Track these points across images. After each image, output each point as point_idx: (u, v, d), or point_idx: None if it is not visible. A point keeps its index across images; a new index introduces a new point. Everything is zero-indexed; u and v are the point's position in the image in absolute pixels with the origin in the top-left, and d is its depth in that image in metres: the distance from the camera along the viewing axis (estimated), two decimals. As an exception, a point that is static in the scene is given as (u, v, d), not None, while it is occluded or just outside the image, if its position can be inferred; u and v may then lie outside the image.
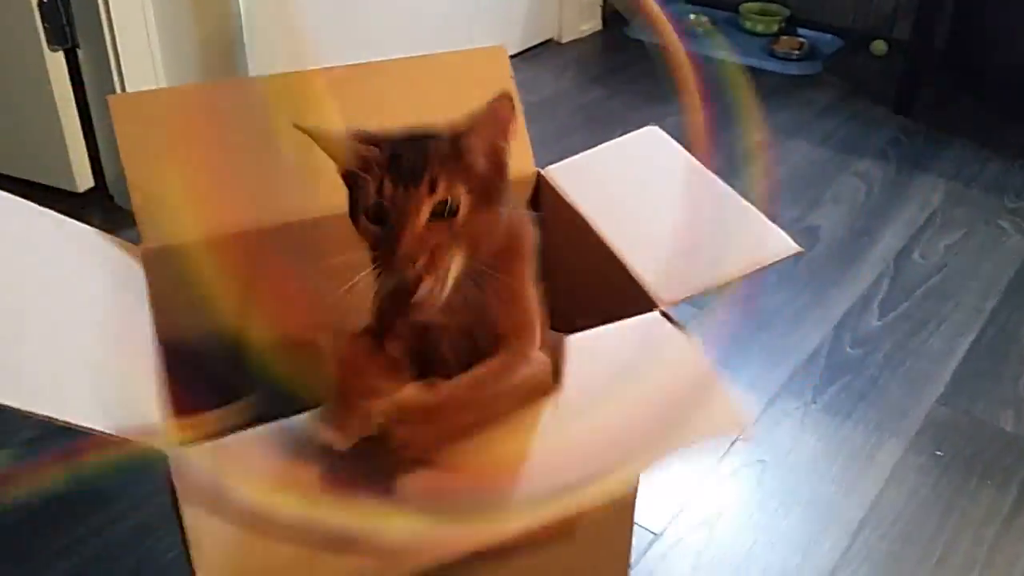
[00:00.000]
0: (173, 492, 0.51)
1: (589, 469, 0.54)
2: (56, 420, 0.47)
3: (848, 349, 1.17)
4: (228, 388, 0.74)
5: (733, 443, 1.03)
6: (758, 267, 0.68)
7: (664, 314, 0.65)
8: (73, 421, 0.47)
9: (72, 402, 0.49)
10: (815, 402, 1.08)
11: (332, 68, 0.78)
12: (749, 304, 1.23)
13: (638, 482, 0.70)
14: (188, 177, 0.72)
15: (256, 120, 0.75)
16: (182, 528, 0.47)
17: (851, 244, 1.39)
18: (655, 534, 0.92)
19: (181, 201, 0.71)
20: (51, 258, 0.62)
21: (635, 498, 0.72)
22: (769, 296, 1.26)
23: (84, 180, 1.45)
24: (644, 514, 0.93)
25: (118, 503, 0.93)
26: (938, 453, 1.01)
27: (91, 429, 0.47)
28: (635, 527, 0.91)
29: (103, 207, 1.40)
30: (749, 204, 0.73)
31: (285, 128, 0.74)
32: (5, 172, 1.48)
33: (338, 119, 0.75)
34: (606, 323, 0.64)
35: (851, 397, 1.09)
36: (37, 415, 0.47)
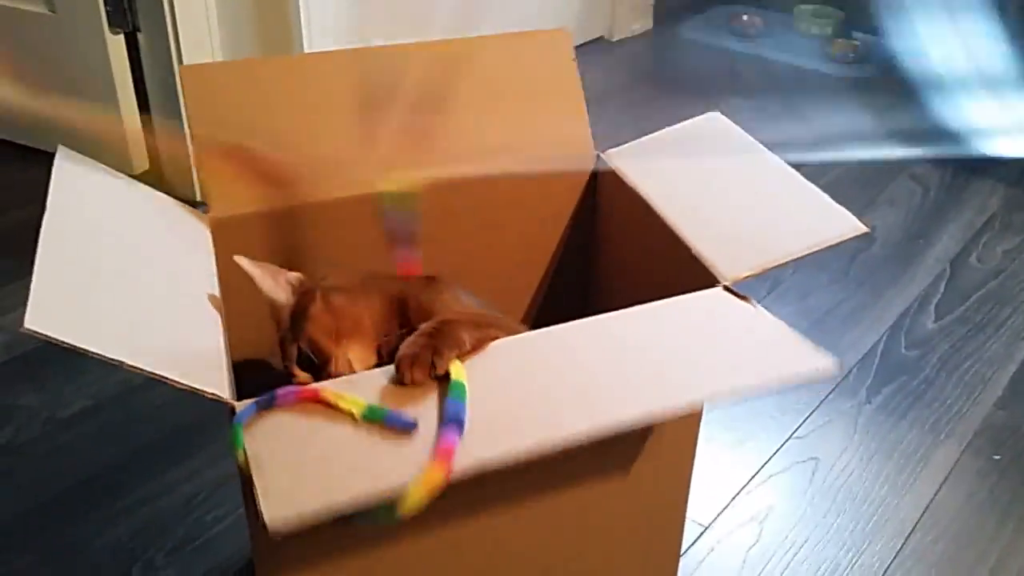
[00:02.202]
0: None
1: (659, 390, 0.55)
2: (141, 370, 0.47)
3: (904, 350, 1.15)
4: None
5: (787, 439, 1.01)
6: (823, 246, 0.67)
7: (728, 288, 0.64)
8: (152, 370, 0.47)
9: (150, 353, 0.49)
10: (869, 402, 1.06)
11: (393, 45, 0.78)
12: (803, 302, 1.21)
13: (698, 427, 0.69)
14: (254, 148, 0.72)
15: (320, 95, 0.76)
16: (247, 481, 0.47)
17: (907, 246, 1.36)
18: (704, 526, 0.91)
19: (247, 172, 0.72)
20: (129, 220, 0.63)
21: (694, 451, 0.70)
22: (823, 295, 1.24)
23: (140, 162, 1.47)
24: (694, 506, 0.92)
25: (168, 475, 0.94)
26: (996, 457, 0.99)
27: (167, 378, 0.47)
28: (685, 519, 0.90)
29: (157, 189, 1.41)
30: (814, 186, 0.72)
31: (346, 104, 0.75)
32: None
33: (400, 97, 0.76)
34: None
35: (906, 398, 1.07)
36: (124, 364, 0.47)
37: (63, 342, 0.46)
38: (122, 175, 0.66)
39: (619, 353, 0.58)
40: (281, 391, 0.51)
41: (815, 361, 0.57)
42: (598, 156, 0.82)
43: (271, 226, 0.72)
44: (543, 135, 0.81)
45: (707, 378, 0.57)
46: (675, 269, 0.70)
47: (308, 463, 0.48)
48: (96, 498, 0.91)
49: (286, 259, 0.73)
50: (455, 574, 0.64)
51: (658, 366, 0.57)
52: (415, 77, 0.77)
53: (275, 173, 0.72)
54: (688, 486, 0.72)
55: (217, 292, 0.61)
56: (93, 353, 0.46)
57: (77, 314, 0.49)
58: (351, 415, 0.49)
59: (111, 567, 0.85)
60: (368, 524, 0.52)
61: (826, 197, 0.70)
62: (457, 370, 0.53)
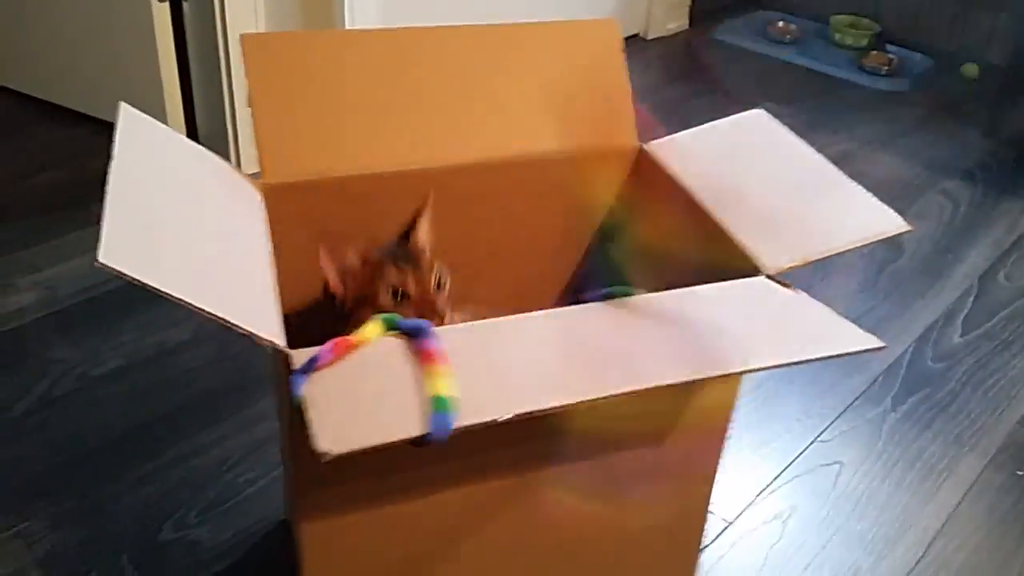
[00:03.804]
0: (286, 392, 0.52)
1: (703, 357, 0.56)
2: (204, 310, 0.48)
3: (930, 362, 1.16)
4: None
5: (811, 442, 1.02)
6: (866, 241, 0.68)
7: (770, 277, 0.65)
8: (214, 312, 0.48)
9: (212, 297, 0.50)
10: (894, 411, 1.07)
11: (446, 27, 0.79)
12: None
13: (734, 401, 0.70)
14: (313, 119, 0.73)
15: (378, 70, 0.77)
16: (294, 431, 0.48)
17: (936, 260, 1.37)
18: (728, 522, 0.92)
19: (303, 141, 0.73)
20: (189, 176, 0.64)
21: (727, 425, 0.71)
22: (852, 303, 1.25)
23: (178, 130, 1.47)
24: (718, 502, 0.93)
25: (199, 437, 0.95)
26: (1019, 473, 1.00)
27: (228, 322, 0.48)
28: (709, 513, 0.92)
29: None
30: (856, 184, 0.73)
31: (400, 81, 0.76)
32: (102, 118, 1.51)
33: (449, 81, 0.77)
34: None
35: (931, 409, 1.08)
36: (189, 304, 0.48)
37: (134, 278, 0.47)
38: (181, 135, 0.67)
39: (665, 327, 0.59)
40: (324, 348, 0.52)
41: (863, 340, 0.59)
42: (640, 148, 0.83)
43: (323, 195, 0.74)
44: (586, 122, 0.82)
45: (754, 349, 0.58)
46: (716, 259, 0.71)
47: (351, 403, 0.51)
48: (129, 456, 0.93)
49: (334, 228, 0.75)
50: (484, 529, 0.65)
51: (703, 338, 0.58)
52: (464, 59, 0.78)
53: (330, 142, 0.73)
54: (717, 464, 0.73)
55: (269, 253, 0.62)
56: (160, 291, 0.47)
57: (145, 255, 0.50)
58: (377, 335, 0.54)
59: (143, 522, 0.86)
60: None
61: (868, 194, 0.71)
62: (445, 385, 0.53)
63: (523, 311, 0.87)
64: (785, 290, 0.64)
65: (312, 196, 0.74)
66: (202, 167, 0.68)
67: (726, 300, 0.63)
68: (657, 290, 0.66)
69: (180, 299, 0.47)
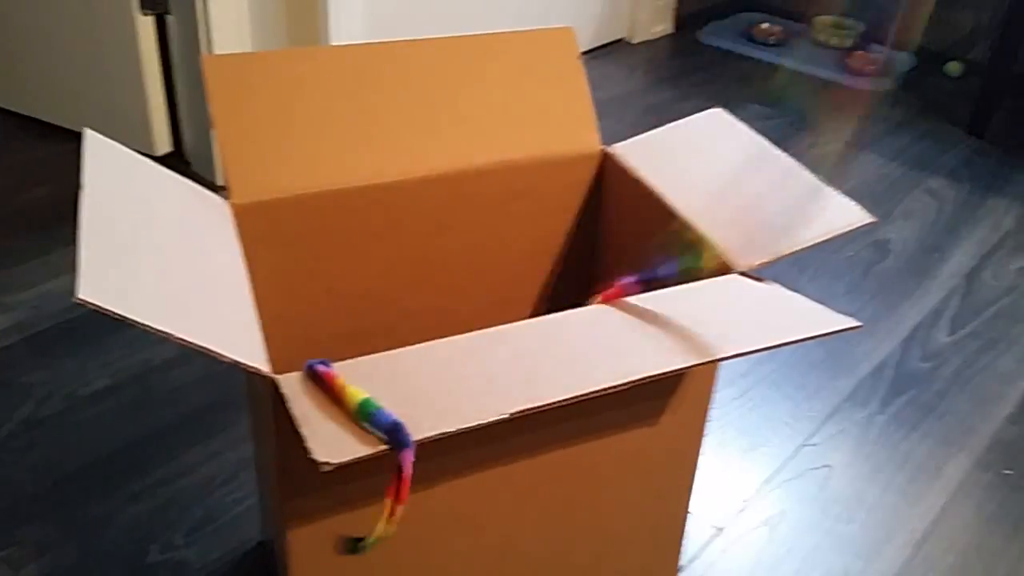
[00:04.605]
0: (276, 416, 0.52)
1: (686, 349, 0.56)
2: (187, 342, 0.48)
3: (918, 362, 1.16)
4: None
5: (800, 446, 1.02)
6: (832, 235, 0.68)
7: (744, 274, 0.65)
8: (196, 342, 0.48)
9: (192, 326, 0.50)
10: (882, 412, 1.08)
11: (406, 41, 0.80)
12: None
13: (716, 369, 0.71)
14: (277, 137, 0.73)
15: (341, 86, 0.77)
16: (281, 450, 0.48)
17: (922, 259, 1.37)
18: (718, 529, 0.92)
19: (269, 160, 0.73)
20: (160, 201, 0.64)
21: (705, 416, 0.72)
22: (838, 304, 1.25)
23: (163, 144, 1.48)
24: (708, 509, 0.93)
25: (187, 456, 0.95)
26: (1007, 472, 1.00)
27: (211, 351, 0.48)
28: (697, 521, 0.92)
29: (180, 172, 1.42)
30: (818, 179, 0.73)
31: (365, 96, 0.76)
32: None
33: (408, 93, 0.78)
34: None
35: (918, 410, 1.08)
36: (171, 336, 0.48)
37: (115, 313, 0.47)
38: (148, 159, 0.67)
39: (644, 327, 0.60)
40: (315, 370, 0.52)
41: (839, 321, 0.59)
42: (603, 151, 0.83)
43: (292, 213, 0.74)
44: (550, 129, 0.83)
45: (734, 336, 0.58)
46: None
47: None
48: (115, 476, 0.92)
49: (305, 245, 0.75)
50: (479, 516, 0.65)
51: (684, 331, 0.59)
52: (428, 72, 0.79)
53: (297, 160, 0.73)
54: (699, 446, 0.74)
55: (245, 274, 0.62)
56: (142, 324, 0.47)
57: (123, 286, 0.50)
58: (348, 410, 0.51)
59: (130, 545, 0.85)
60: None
61: (832, 189, 0.72)
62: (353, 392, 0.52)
63: (503, 318, 0.88)
64: (759, 283, 0.65)
65: (281, 214, 0.74)
66: (173, 191, 0.68)
67: (702, 297, 0.63)
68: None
69: (163, 331, 0.47)
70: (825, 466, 1.00)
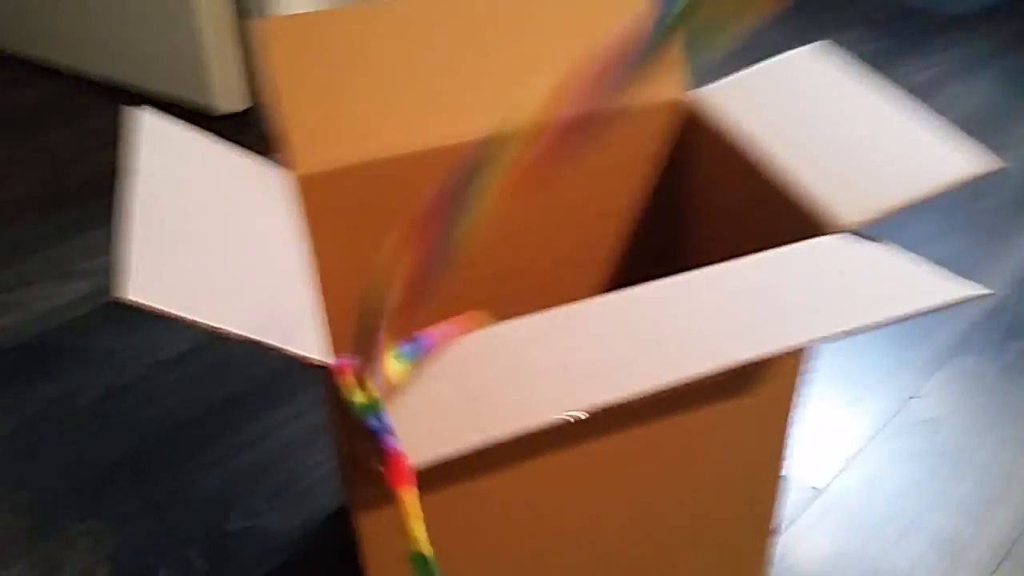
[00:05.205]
0: (333, 403, 0.48)
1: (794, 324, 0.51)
2: (243, 336, 0.44)
3: (1034, 304, 1.07)
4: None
5: (906, 398, 0.95)
6: (952, 184, 0.61)
7: (854, 232, 0.59)
8: (252, 336, 0.45)
9: (248, 317, 0.47)
10: (996, 360, 1.00)
11: None
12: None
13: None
14: (339, 103, 0.69)
15: (402, 43, 0.72)
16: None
17: (1037, 190, 1.27)
18: (817, 490, 0.86)
19: (332, 127, 0.68)
20: (214, 179, 0.61)
21: (808, 358, 0.66)
22: (947, 242, 1.16)
23: (236, 102, 1.46)
24: (806, 469, 0.88)
25: (265, 420, 0.94)
26: None
27: (267, 344, 0.45)
28: (794, 481, 0.86)
29: (255, 130, 1.41)
30: (934, 122, 0.66)
31: (427, 53, 0.71)
32: (153, 91, 1.50)
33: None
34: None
35: (1037, 357, 1.00)
36: (224, 331, 0.45)
37: (165, 312, 0.43)
38: (201, 132, 0.63)
39: (746, 298, 0.54)
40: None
41: (968, 288, 0.53)
42: (689, 95, 0.76)
43: (357, 181, 0.70)
44: None
45: (844, 308, 0.52)
46: (782, 216, 0.65)
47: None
48: (196, 443, 0.92)
49: (372, 214, 0.71)
50: (558, 499, 0.62)
51: (785, 304, 0.53)
52: (492, 23, 0.73)
53: (363, 125, 0.69)
54: (794, 413, 0.68)
55: (306, 251, 0.58)
56: (193, 321, 0.44)
57: (173, 281, 0.47)
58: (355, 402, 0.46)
59: (211, 513, 0.85)
60: None
61: (950, 132, 0.64)
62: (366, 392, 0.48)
63: (578, 280, 0.82)
64: (868, 243, 0.58)
65: (346, 184, 0.70)
66: (229, 167, 0.64)
67: (806, 261, 0.57)
68: (719, 254, 0.61)
69: (214, 326, 0.44)
70: (932, 419, 0.93)
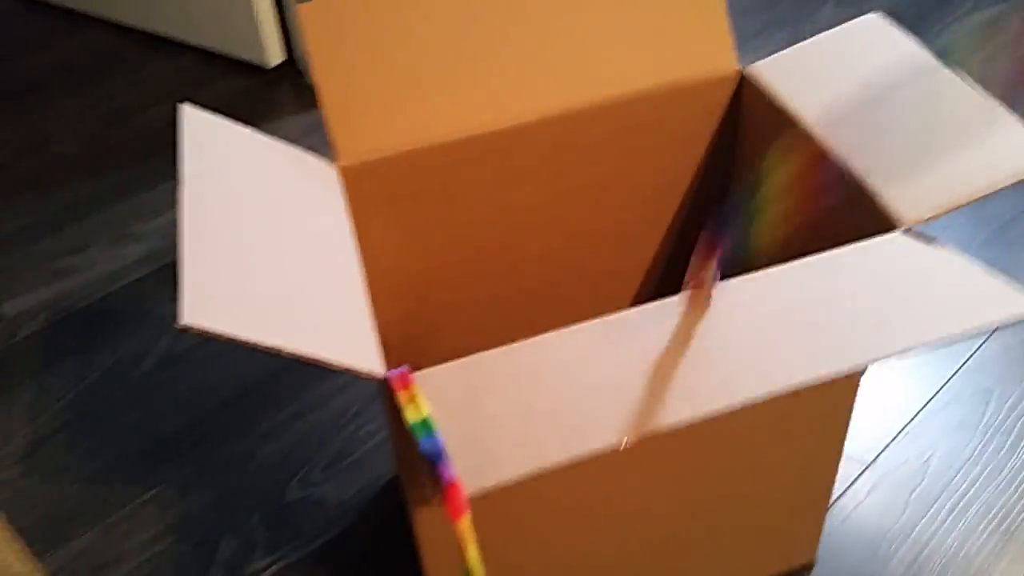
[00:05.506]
0: (395, 415, 0.49)
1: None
2: (299, 355, 0.45)
3: (1094, 270, 1.05)
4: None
5: (957, 369, 0.94)
6: (1017, 179, 0.59)
7: (911, 231, 0.58)
8: (308, 353, 0.45)
9: (302, 331, 0.48)
10: (1052, 329, 0.98)
11: None
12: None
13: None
14: (382, 90, 0.68)
15: (444, 25, 0.70)
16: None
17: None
18: (864, 463, 0.86)
19: (376, 116, 0.68)
20: (262, 181, 0.61)
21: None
22: (1000, 201, 1.13)
23: (275, 54, 1.45)
24: (854, 443, 0.88)
25: (320, 388, 0.96)
26: None
27: (323, 361, 0.46)
28: (843, 456, 0.87)
29: (293, 83, 1.40)
30: (1001, 107, 0.63)
31: (471, 33, 0.70)
32: (195, 43, 1.49)
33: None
34: (835, 247, 0.58)
35: (1095, 326, 0.98)
36: (282, 351, 0.45)
37: (224, 334, 0.44)
38: (249, 128, 0.63)
39: (807, 310, 0.54)
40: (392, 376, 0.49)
41: None
42: (740, 72, 0.74)
43: (403, 171, 0.69)
44: (676, 49, 0.74)
45: (897, 326, 0.52)
46: (840, 207, 0.64)
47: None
48: (252, 411, 0.94)
49: (419, 203, 0.71)
50: (610, 490, 0.63)
51: (852, 320, 0.52)
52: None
53: (411, 111, 0.68)
54: (854, 400, 0.68)
55: (355, 250, 0.58)
56: (252, 342, 0.45)
57: (229, 299, 0.47)
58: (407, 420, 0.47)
59: (269, 482, 0.88)
60: None
61: (1017, 120, 0.62)
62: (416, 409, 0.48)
63: (627, 264, 0.81)
64: (929, 249, 0.57)
65: (392, 173, 0.70)
66: (275, 166, 0.64)
67: (859, 267, 0.56)
68: (772, 248, 0.60)
69: (271, 346, 0.45)
70: (986, 390, 0.92)
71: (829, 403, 0.66)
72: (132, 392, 0.97)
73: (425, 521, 0.57)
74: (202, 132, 0.59)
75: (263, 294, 0.49)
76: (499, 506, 0.59)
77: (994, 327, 0.51)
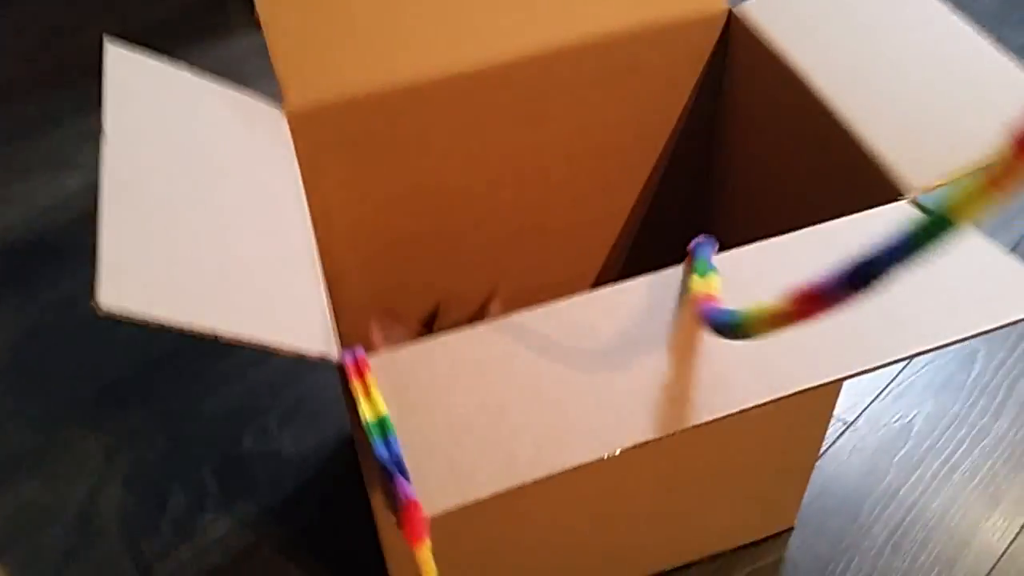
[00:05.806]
0: (351, 404, 0.44)
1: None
2: (240, 340, 0.40)
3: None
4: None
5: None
6: None
7: (916, 203, 0.52)
8: (251, 339, 0.40)
9: (242, 311, 0.42)
10: (1044, 284, 0.94)
11: None
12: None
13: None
14: (337, 27, 0.60)
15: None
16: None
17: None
18: (846, 423, 0.83)
19: (329, 54, 0.60)
20: (198, 131, 0.53)
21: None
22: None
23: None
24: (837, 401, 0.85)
25: (277, 331, 0.90)
26: None
27: (269, 346, 0.40)
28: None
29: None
30: (1015, 64, 0.57)
31: None
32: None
33: None
34: (834, 217, 0.52)
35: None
36: (218, 335, 0.40)
37: (149, 318, 0.38)
38: (185, 70, 0.55)
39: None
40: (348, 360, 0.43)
41: None
42: (729, 12, 0.67)
43: (360, 114, 0.62)
44: None
45: (906, 324, 0.47)
46: (839, 171, 0.58)
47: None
48: (203, 357, 0.88)
49: (377, 149, 0.64)
50: (594, 480, 0.59)
51: (860, 317, 0.47)
52: None
53: (361, 53, 0.60)
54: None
55: (304, 209, 0.51)
56: (183, 326, 0.39)
57: (155, 277, 0.41)
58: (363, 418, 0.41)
59: (224, 431, 0.83)
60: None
61: None
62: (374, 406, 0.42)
63: (604, 216, 0.75)
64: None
65: (350, 119, 0.62)
66: (212, 112, 0.56)
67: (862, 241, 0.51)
68: (761, 211, 0.54)
69: (206, 330, 0.39)
70: (972, 350, 0.89)
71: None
72: (75, 333, 0.91)
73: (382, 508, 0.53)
74: (129, 75, 0.51)
75: (196, 269, 0.42)
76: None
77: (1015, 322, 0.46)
